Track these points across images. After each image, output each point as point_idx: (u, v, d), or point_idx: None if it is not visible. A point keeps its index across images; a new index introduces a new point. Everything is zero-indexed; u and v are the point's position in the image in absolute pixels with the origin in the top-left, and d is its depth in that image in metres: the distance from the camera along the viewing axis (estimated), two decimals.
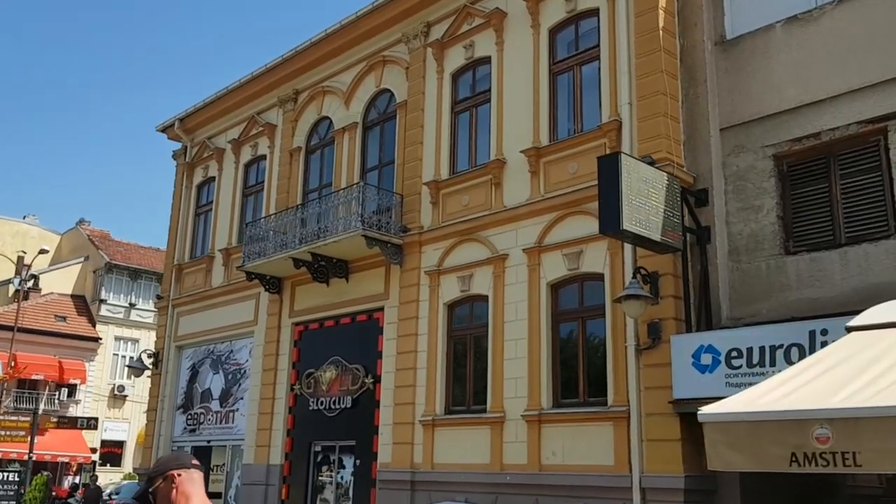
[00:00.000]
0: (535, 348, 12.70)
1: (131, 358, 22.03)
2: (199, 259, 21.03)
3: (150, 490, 3.37)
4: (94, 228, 47.39)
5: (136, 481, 20.79)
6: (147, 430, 21.18)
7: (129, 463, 41.97)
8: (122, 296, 43.36)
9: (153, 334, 43.38)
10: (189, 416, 20.10)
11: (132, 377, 42.06)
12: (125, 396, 41.72)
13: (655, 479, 10.72)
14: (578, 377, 12.29)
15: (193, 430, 19.85)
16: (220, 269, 20.12)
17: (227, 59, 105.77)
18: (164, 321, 21.51)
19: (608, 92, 12.72)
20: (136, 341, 43.26)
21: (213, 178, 21.51)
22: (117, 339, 42.79)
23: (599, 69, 13.05)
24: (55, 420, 21.34)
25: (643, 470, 10.90)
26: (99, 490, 20.06)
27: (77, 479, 34.13)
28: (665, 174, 10.99)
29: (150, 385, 21.81)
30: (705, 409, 6.27)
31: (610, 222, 10.20)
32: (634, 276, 11.10)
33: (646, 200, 10.48)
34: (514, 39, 14.42)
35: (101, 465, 39.30)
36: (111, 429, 41.28)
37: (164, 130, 23.02)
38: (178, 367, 20.95)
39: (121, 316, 42.88)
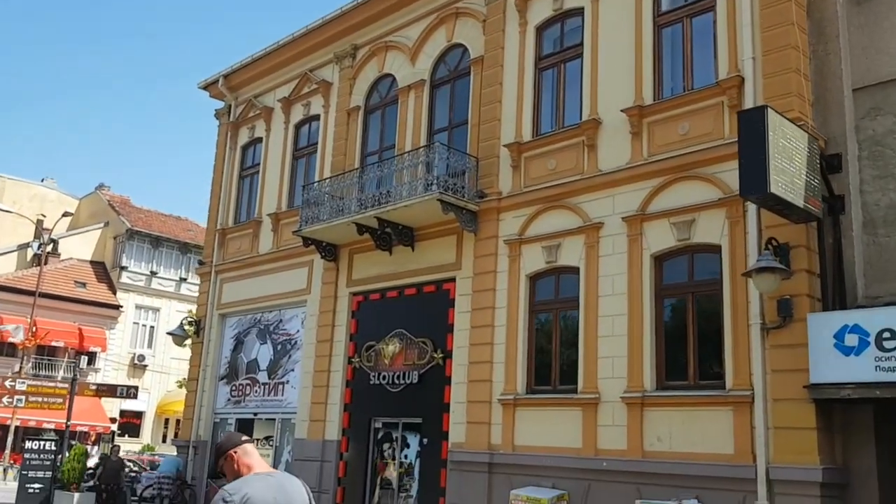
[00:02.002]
0: (636, 325, 11.65)
1: (179, 324, 20.74)
2: (245, 224, 19.98)
3: (219, 469, 4.30)
4: (115, 194, 46.37)
5: (176, 455, 19.80)
6: (187, 400, 20.23)
7: (147, 434, 41.23)
8: (143, 263, 42.43)
9: (174, 303, 43.05)
10: (233, 388, 19.15)
11: (152, 347, 41.85)
12: (145, 366, 40.90)
13: (785, 471, 9.71)
14: (687, 358, 11.23)
15: (238, 402, 18.90)
16: (268, 234, 19.07)
17: (266, 15, 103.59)
18: (206, 288, 20.49)
19: (726, 46, 11.57)
20: (156, 310, 42.42)
21: (259, 139, 20.41)
22: (138, 307, 41.92)
23: (714, 21, 11.87)
24: (94, 387, 20.19)
25: (770, 460, 9.89)
26: (121, 463, 19.09)
27: (97, 449, 33.35)
28: (807, 134, 9.88)
29: (190, 354, 20.83)
30: None
31: (753, 184, 9.12)
32: (767, 247, 10.02)
33: (789, 162, 9.39)
34: None
35: (118, 435, 38.52)
36: (127, 399, 40.43)
37: (206, 88, 21.88)
38: (221, 336, 19.95)
39: (142, 284, 41.99)
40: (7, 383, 17.73)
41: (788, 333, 10.01)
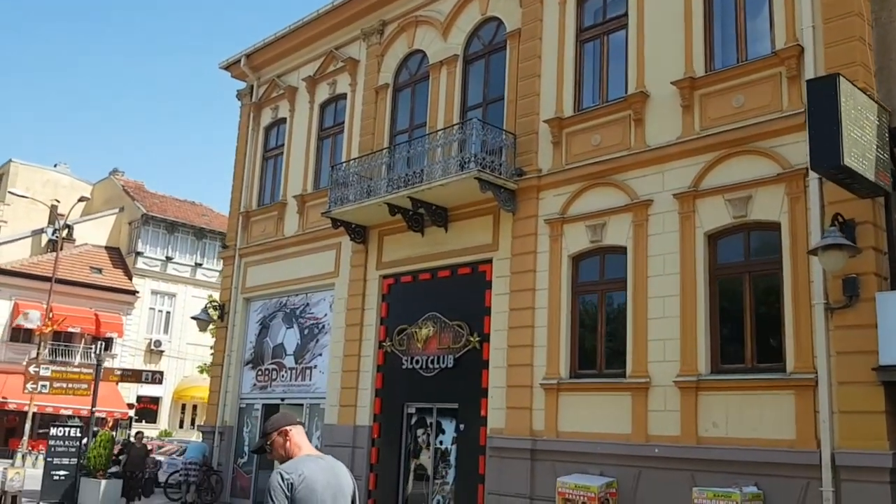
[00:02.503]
0: (689, 307, 11.19)
1: (203, 308, 20.41)
2: (269, 206, 19.56)
3: (268, 443, 4.23)
4: (129, 179, 46.05)
5: (202, 440, 19.49)
6: (212, 385, 19.89)
7: (164, 420, 41.07)
8: (158, 249, 42.14)
9: (190, 289, 42.77)
10: (259, 373, 18.79)
11: (168, 332, 41.63)
12: (162, 352, 40.68)
13: (852, 457, 9.27)
14: (745, 340, 10.77)
15: (265, 388, 18.55)
16: (293, 216, 18.65)
17: None
18: (230, 272, 20.11)
19: (783, 14, 11.05)
20: (172, 296, 42.16)
21: (283, 120, 19.96)
22: (154, 292, 41.66)
23: None
24: (118, 373, 19.87)
25: (835, 445, 9.45)
26: (146, 450, 18.80)
27: (118, 435, 33.13)
28: (876, 105, 9.38)
29: (214, 339, 20.48)
30: None
31: (825, 156, 8.64)
32: (833, 224, 9.54)
33: (860, 133, 8.91)
34: None
35: (136, 421, 38.36)
36: (147, 384, 40.25)
37: (227, 68, 21.42)
38: (245, 321, 19.59)
39: (157, 269, 41.70)
40: (31, 369, 17.37)
41: (855, 314, 9.55)
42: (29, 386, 17.27)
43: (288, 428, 4.22)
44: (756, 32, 11.50)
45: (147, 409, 40.47)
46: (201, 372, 28.13)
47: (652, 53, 12.46)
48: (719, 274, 11.20)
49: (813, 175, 10.20)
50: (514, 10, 14.75)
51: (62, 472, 16.71)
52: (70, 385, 17.36)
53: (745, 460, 10.17)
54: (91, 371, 17.68)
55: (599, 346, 12.39)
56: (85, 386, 17.55)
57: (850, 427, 9.38)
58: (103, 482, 16.44)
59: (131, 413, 37.74)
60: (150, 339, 40.60)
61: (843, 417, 9.47)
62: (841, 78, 8.73)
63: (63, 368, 18.77)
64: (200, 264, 43.16)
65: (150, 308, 41.45)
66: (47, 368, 17.77)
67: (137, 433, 20.00)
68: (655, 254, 11.76)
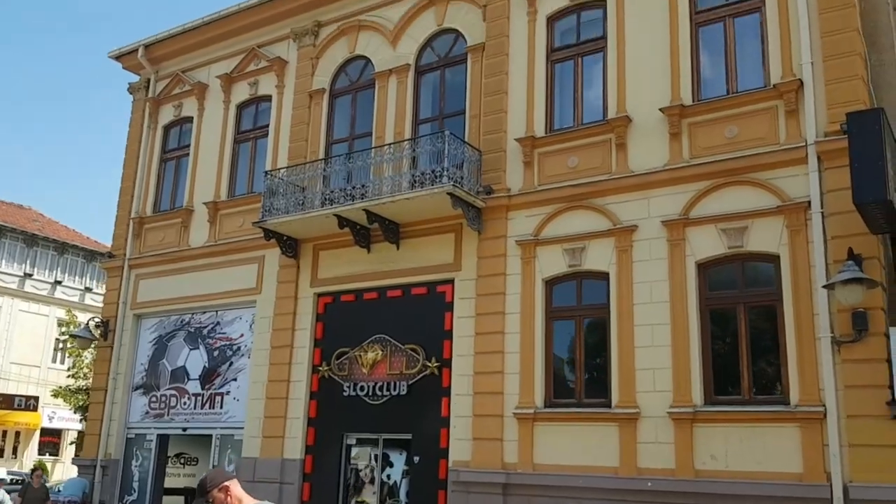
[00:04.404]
0: (680, 336, 10.98)
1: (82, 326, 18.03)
2: (170, 212, 17.63)
3: (208, 501, 4.42)
4: None
5: (78, 476, 17.04)
6: (92, 413, 17.50)
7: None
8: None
9: (18, 302, 38.13)
10: (153, 399, 16.73)
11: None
12: None
13: (866, 490, 9.33)
14: (740, 371, 10.67)
15: (160, 416, 16.52)
16: (202, 225, 16.88)
17: None
18: (117, 284, 17.88)
19: (778, 48, 11.22)
20: None
21: (188, 119, 18.14)
22: None
23: (762, 23, 11.51)
24: None
25: (848, 479, 9.49)
26: (46, 492, 16.35)
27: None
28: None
29: (96, 360, 18.12)
30: None
31: (869, 190, 8.72)
32: (850, 258, 9.65)
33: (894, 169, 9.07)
34: None
35: None
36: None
37: (119, 58, 19.27)
38: (135, 340, 17.45)
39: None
40: None
41: (864, 348, 9.69)
42: None
43: (227, 483, 4.43)
44: (747, 64, 11.62)
45: None
46: (55, 396, 24.88)
47: (634, 78, 12.30)
48: (711, 304, 11.10)
49: (815, 208, 10.36)
50: (477, 24, 14.18)
51: None
52: None
53: (749, 494, 10.02)
54: None
55: (578, 375, 11.93)
56: None
57: (862, 460, 9.45)
58: None
59: None
60: None
61: (855, 451, 9.53)
62: (884, 113, 8.85)
63: None
64: (30, 274, 38.69)
65: None
66: None
67: (34, 470, 17.21)
68: (642, 280, 11.49)
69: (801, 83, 10.83)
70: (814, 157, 10.52)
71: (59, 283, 39.08)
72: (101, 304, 37.98)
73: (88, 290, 39.86)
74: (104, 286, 39.36)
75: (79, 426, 34.55)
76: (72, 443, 33.54)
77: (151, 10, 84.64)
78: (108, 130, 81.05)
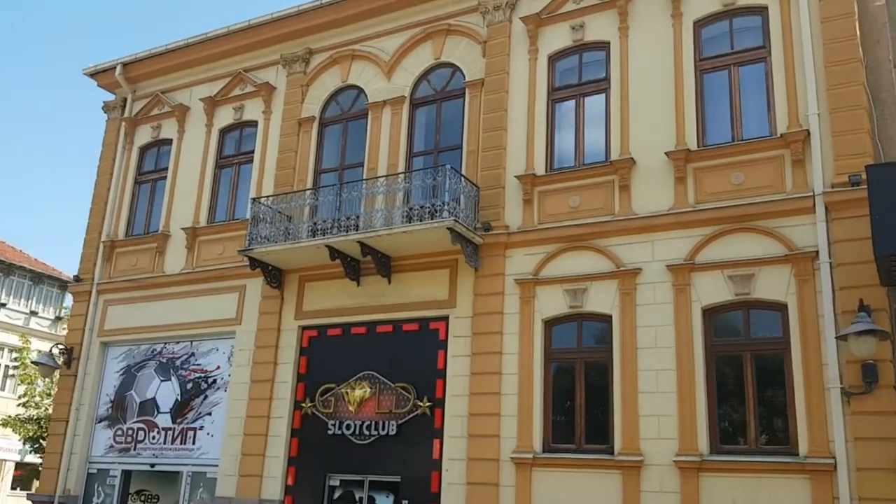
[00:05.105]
0: (686, 383, 10.85)
1: (41, 352, 17.17)
2: (144, 237, 16.97)
3: None
4: None
5: None
6: (50, 446, 16.54)
7: None
8: None
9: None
10: (119, 432, 15.92)
11: None
12: None
13: None
14: (747, 421, 10.57)
15: (126, 450, 15.71)
16: (179, 251, 16.28)
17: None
18: (83, 310, 17.06)
19: (784, 97, 11.34)
20: None
21: (167, 141, 17.58)
22: None
23: (768, 73, 11.63)
24: None
25: None
26: None
27: None
28: None
29: (56, 389, 17.22)
30: None
31: (890, 243, 8.71)
32: (861, 309, 9.66)
33: None
34: (644, 27, 12.68)
35: None
36: None
37: (94, 75, 18.64)
38: (101, 369, 16.64)
39: None
40: None
41: (874, 400, 9.67)
42: None
43: None
44: (752, 112, 11.70)
45: None
46: (4, 426, 23.54)
47: (638, 121, 12.30)
48: (717, 350, 11.01)
49: (823, 258, 10.40)
50: (476, 60, 14.07)
51: None
52: None
53: None
54: None
55: (579, 419, 11.68)
56: None
57: None
58: None
59: None
60: None
61: None
62: None
63: None
64: None
65: None
66: None
67: None
68: (646, 325, 11.37)
69: (809, 133, 10.93)
70: (821, 207, 10.59)
71: (4, 305, 37.42)
72: (47, 330, 37.25)
73: (34, 313, 38.26)
74: (51, 310, 38.50)
75: (17, 457, 33.04)
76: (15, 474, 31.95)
77: (107, 35, 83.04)
78: (52, 142, 78.79)
